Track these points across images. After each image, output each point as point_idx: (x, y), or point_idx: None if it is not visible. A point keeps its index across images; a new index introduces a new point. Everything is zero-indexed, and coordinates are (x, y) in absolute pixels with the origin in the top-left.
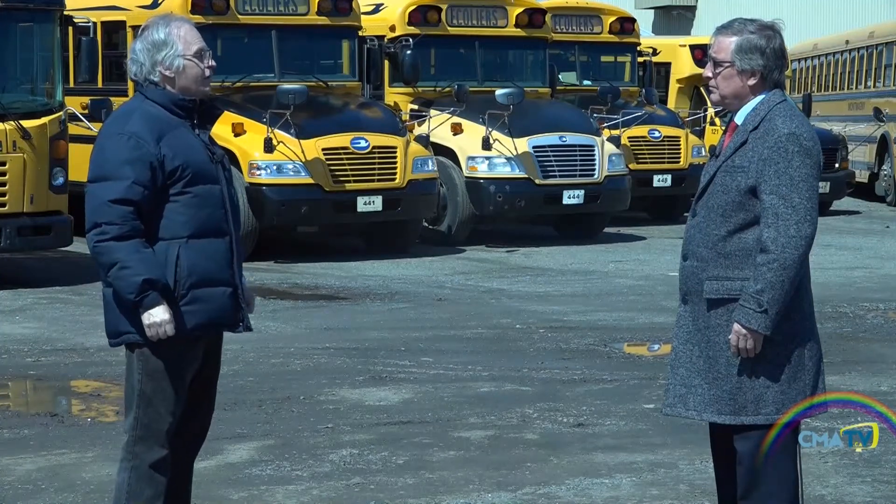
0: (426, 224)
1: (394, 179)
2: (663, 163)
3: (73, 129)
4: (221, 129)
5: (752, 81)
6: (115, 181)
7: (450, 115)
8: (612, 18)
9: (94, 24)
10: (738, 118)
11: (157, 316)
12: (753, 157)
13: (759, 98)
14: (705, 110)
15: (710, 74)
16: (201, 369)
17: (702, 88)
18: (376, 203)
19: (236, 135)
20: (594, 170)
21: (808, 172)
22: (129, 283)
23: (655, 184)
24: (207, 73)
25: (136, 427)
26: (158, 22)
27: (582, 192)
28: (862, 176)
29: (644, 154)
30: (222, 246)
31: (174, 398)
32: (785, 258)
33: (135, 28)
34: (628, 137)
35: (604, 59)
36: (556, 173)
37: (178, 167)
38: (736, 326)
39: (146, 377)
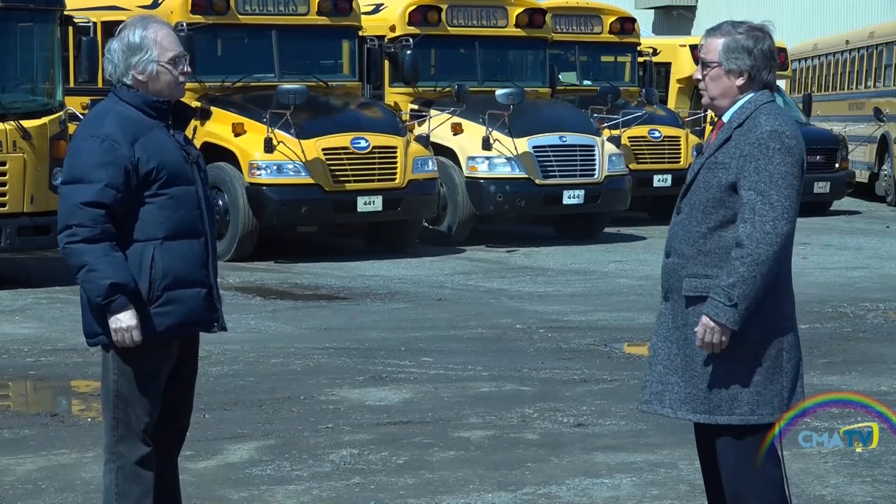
0: (426, 224)
1: (394, 179)
2: (663, 163)
3: (73, 129)
4: (221, 129)
5: (739, 81)
6: (87, 184)
7: (450, 115)
8: (612, 18)
9: (94, 24)
10: (725, 116)
11: (124, 321)
12: (735, 154)
13: (747, 97)
14: (705, 110)
15: (699, 77)
16: (180, 369)
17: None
18: (376, 203)
19: (236, 135)
20: (594, 170)
21: (788, 170)
22: (97, 287)
23: (655, 184)
24: (181, 79)
25: (117, 427)
26: (136, 24)
27: (582, 192)
28: (862, 176)
29: (644, 154)
30: (197, 247)
31: (150, 398)
32: (759, 254)
33: None
34: (628, 137)
35: (604, 59)
36: (557, 173)
37: (153, 169)
38: (704, 319)
39: (121, 377)
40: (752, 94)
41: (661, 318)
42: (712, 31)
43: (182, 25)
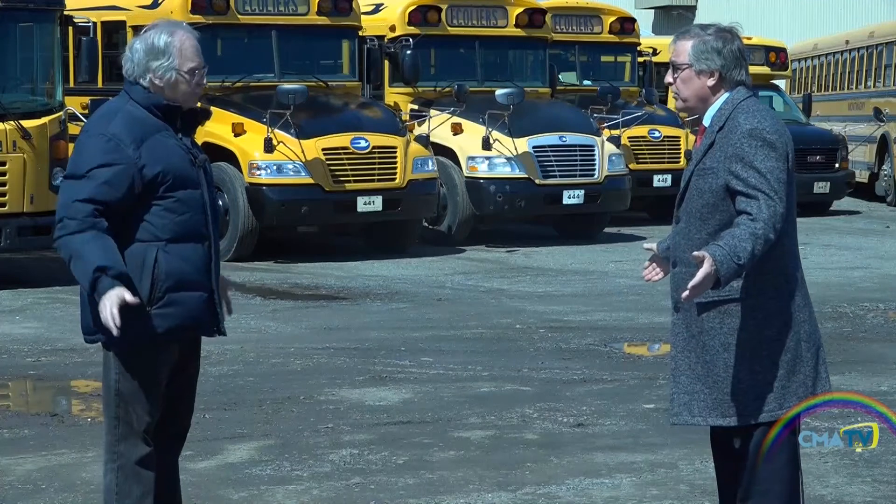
0: (426, 224)
1: (394, 179)
2: (663, 163)
3: (73, 129)
4: (221, 129)
5: (710, 81)
6: (86, 181)
7: (450, 115)
8: (612, 18)
9: (94, 24)
10: (706, 120)
11: (107, 299)
12: (721, 157)
13: (724, 98)
14: None
15: (670, 80)
16: (182, 370)
17: None
18: (376, 203)
19: (236, 135)
20: (594, 170)
21: (773, 165)
22: (84, 273)
23: (655, 184)
24: (197, 90)
25: (118, 426)
26: (163, 28)
27: (582, 192)
28: (862, 176)
29: (644, 154)
30: (201, 250)
31: (151, 398)
32: (766, 235)
33: (135, 28)
34: (628, 137)
35: (604, 59)
36: (556, 173)
37: (158, 173)
38: (707, 265)
39: (122, 377)
40: (727, 94)
41: (674, 328)
42: (681, 35)
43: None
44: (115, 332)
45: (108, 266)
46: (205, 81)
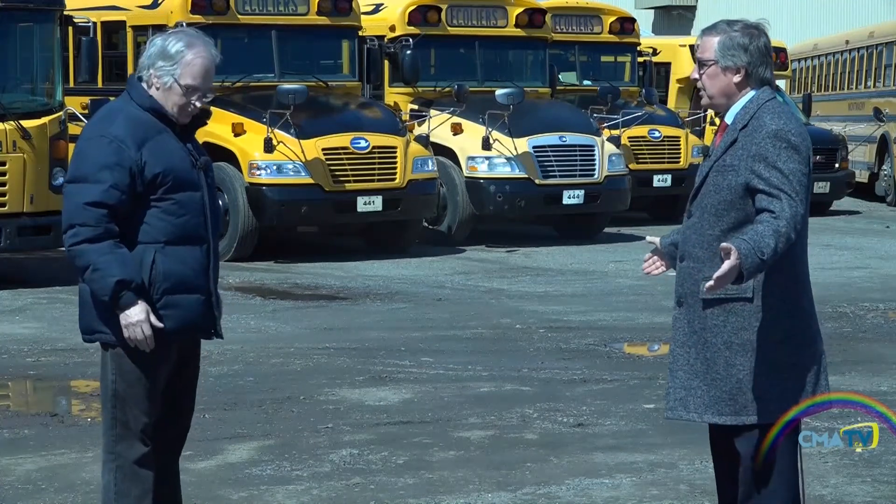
0: (426, 224)
1: (394, 179)
2: (663, 163)
3: (73, 129)
4: (221, 129)
5: (737, 78)
6: (92, 184)
7: (450, 115)
8: (612, 18)
9: (94, 24)
10: (728, 117)
11: (134, 315)
12: (743, 155)
13: (749, 96)
14: (705, 110)
15: (696, 76)
16: (180, 371)
17: None
18: (376, 203)
19: (236, 135)
20: (594, 170)
21: (796, 167)
22: (104, 286)
23: (655, 184)
24: (190, 108)
25: (115, 426)
26: (184, 37)
27: (582, 192)
28: (862, 176)
29: (644, 154)
30: (199, 253)
31: (148, 398)
32: (787, 231)
33: (135, 28)
34: (628, 137)
35: (604, 59)
36: (556, 173)
37: (159, 174)
38: (733, 258)
39: (119, 377)
40: (753, 93)
41: (676, 323)
42: (708, 31)
43: (182, 25)
44: (147, 349)
45: (129, 280)
46: (200, 105)
